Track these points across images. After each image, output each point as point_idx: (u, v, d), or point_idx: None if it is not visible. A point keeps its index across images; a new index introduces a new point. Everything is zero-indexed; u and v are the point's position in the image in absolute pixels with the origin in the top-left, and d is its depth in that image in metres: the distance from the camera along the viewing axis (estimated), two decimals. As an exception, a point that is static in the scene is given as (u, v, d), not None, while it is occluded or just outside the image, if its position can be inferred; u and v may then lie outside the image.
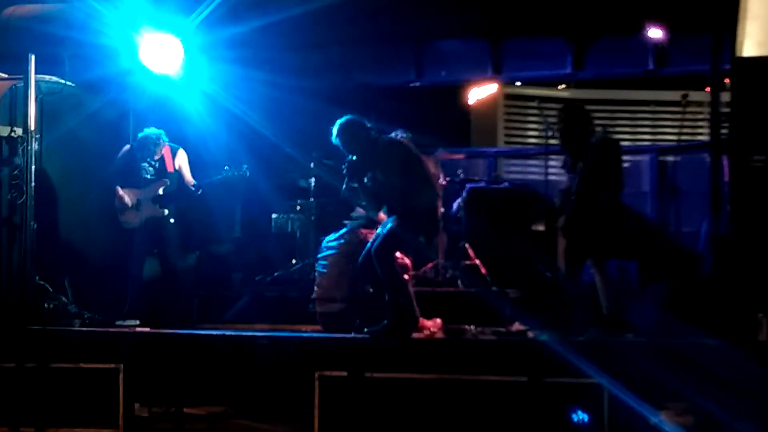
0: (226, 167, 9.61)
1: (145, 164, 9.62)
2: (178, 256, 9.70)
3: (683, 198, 9.37)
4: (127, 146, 9.78)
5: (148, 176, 9.61)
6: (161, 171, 9.64)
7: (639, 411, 7.01)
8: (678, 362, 7.02)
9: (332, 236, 8.94)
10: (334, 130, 8.17)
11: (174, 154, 9.68)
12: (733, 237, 7.94)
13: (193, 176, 9.72)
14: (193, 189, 9.60)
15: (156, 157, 9.62)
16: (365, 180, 8.11)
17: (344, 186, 8.26)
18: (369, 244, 8.17)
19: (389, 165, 8.05)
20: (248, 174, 9.60)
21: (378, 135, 8.18)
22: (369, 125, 8.21)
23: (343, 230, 8.94)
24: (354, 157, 8.11)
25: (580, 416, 7.22)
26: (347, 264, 8.60)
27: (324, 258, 8.88)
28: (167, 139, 9.65)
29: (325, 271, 8.84)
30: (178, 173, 9.67)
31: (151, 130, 9.64)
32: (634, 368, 7.13)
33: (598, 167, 7.77)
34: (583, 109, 8.22)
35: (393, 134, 8.18)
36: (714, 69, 8.69)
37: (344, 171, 8.17)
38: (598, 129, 8.11)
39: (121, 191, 9.54)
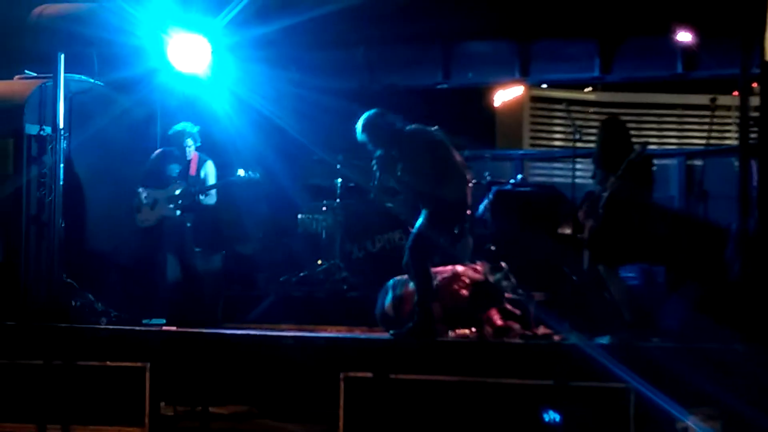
0: (239, 171, 9.66)
1: (174, 165, 9.67)
2: (194, 258, 9.74)
3: (710, 202, 9.31)
4: (159, 150, 9.87)
5: (173, 175, 9.68)
6: (184, 173, 9.70)
7: (666, 415, 6.97)
8: (706, 366, 6.97)
9: None
10: (358, 127, 8.18)
11: (201, 163, 9.73)
12: (762, 240, 7.89)
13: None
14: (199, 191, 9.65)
15: (188, 156, 9.66)
16: (398, 172, 8.11)
17: (375, 182, 8.26)
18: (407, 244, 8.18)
19: (415, 154, 8.04)
20: (258, 177, 9.61)
21: (402, 126, 8.17)
22: (392, 118, 8.21)
23: None
24: (380, 152, 8.12)
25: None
26: None
27: None
28: (199, 139, 9.69)
29: None
30: (200, 180, 9.69)
31: (185, 125, 9.67)
32: (661, 372, 7.08)
33: (631, 183, 7.76)
34: (622, 125, 8.21)
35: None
36: (743, 73, 8.62)
37: (374, 166, 8.18)
38: (636, 145, 8.08)
39: (141, 189, 9.62)
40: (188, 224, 9.67)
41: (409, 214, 8.45)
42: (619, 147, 7.96)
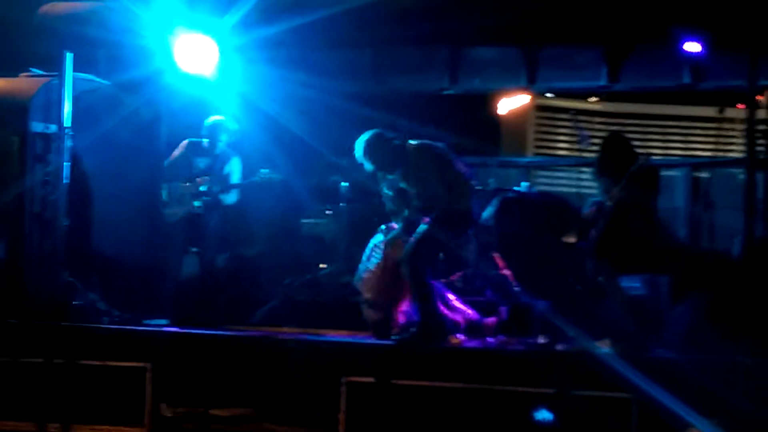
0: (262, 170, 9.60)
1: (201, 158, 9.59)
2: (212, 257, 9.68)
3: (716, 213, 9.32)
4: (186, 141, 9.74)
5: (200, 169, 9.59)
6: (211, 167, 9.60)
7: (669, 426, 6.95)
8: (710, 377, 6.96)
9: (379, 238, 8.92)
10: (358, 150, 8.19)
11: (226, 159, 9.64)
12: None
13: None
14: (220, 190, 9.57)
15: (218, 150, 9.56)
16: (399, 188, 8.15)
17: (383, 192, 8.29)
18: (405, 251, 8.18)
19: (422, 168, 8.05)
20: (279, 179, 9.54)
21: (403, 142, 8.17)
22: (390, 135, 8.20)
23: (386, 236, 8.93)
24: (381, 170, 8.12)
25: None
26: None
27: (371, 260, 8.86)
28: (233, 136, 9.61)
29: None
30: (222, 176, 9.61)
31: (224, 118, 9.58)
32: (665, 383, 7.08)
33: (634, 193, 7.78)
34: (624, 140, 8.25)
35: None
36: (751, 85, 8.65)
37: (376, 180, 8.19)
38: (641, 156, 8.10)
39: (168, 184, 9.53)
40: (211, 222, 9.58)
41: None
42: (623, 159, 7.98)
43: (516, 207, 10.05)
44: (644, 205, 7.92)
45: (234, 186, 9.59)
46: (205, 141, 9.64)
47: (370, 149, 8.14)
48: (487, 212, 10.05)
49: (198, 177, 9.56)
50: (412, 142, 8.19)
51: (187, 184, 9.54)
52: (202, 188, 9.48)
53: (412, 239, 8.13)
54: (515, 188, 10.64)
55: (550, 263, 9.23)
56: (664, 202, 8.97)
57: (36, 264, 9.18)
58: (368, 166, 8.20)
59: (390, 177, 8.25)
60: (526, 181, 11.45)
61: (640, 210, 7.88)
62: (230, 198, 9.63)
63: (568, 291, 9.05)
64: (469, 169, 8.31)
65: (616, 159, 8.03)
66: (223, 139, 9.58)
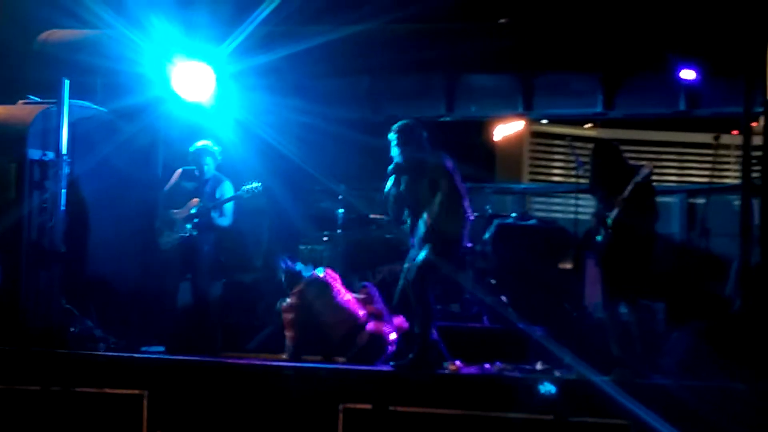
0: (245, 185, 9.58)
1: (190, 183, 9.60)
2: (206, 283, 9.66)
3: (712, 239, 9.36)
4: (180, 170, 9.71)
5: (189, 194, 9.56)
6: (198, 190, 9.58)
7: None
8: (706, 404, 6.96)
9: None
10: (396, 126, 8.24)
11: (217, 183, 9.57)
12: (764, 277, 7.92)
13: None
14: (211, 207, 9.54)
15: (207, 174, 9.54)
16: (401, 186, 8.16)
17: (387, 187, 8.28)
18: (402, 278, 8.18)
19: (437, 179, 8.05)
20: (260, 189, 9.45)
21: (431, 149, 8.22)
22: (427, 139, 8.26)
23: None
24: (401, 161, 8.14)
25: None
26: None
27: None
28: (220, 158, 9.63)
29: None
30: (215, 199, 9.52)
31: (206, 143, 9.56)
32: (661, 410, 7.08)
33: (640, 200, 7.78)
34: (614, 146, 8.26)
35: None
36: (746, 111, 8.71)
37: (389, 170, 8.22)
38: (633, 163, 8.14)
39: (162, 212, 9.51)
40: (206, 247, 9.49)
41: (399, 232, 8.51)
42: (618, 168, 7.98)
43: (512, 233, 10.10)
44: (647, 217, 7.90)
45: (220, 202, 9.52)
46: (194, 168, 9.65)
47: (407, 131, 8.21)
48: (484, 238, 10.10)
49: (187, 201, 9.54)
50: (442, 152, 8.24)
51: (176, 210, 9.53)
52: (192, 210, 9.47)
53: (413, 265, 8.12)
54: (511, 215, 10.70)
55: (546, 289, 9.26)
56: (659, 228, 9.01)
57: (33, 291, 9.18)
58: (393, 151, 8.22)
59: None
60: (521, 207, 11.52)
61: (644, 222, 7.86)
62: (225, 221, 9.54)
63: (564, 317, 9.08)
64: (468, 200, 8.28)
65: (611, 167, 8.02)
66: (209, 162, 9.57)
